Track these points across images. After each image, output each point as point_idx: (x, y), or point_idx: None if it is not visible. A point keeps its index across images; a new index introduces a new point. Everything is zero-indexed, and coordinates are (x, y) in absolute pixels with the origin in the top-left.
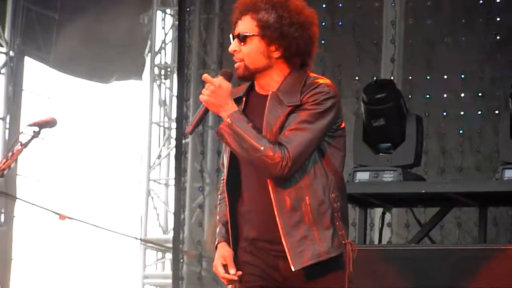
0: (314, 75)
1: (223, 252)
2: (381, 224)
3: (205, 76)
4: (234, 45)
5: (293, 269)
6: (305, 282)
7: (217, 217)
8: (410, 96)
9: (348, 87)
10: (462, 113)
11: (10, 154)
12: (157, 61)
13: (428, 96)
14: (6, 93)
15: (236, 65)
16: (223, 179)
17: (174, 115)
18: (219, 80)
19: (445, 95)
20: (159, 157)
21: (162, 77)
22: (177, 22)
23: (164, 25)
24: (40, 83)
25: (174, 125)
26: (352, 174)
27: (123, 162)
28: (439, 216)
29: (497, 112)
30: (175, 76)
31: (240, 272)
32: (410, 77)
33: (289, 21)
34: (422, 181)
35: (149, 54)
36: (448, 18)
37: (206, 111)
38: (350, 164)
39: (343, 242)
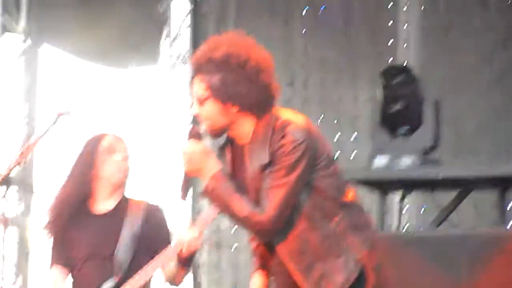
0: (282, 115)
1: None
2: (400, 209)
3: (182, 148)
4: (194, 108)
5: None
6: None
7: None
8: (427, 79)
9: (364, 72)
10: (477, 97)
11: (27, 143)
12: (173, 48)
13: (443, 79)
14: (24, 81)
15: (204, 125)
16: None
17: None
18: (190, 146)
19: (460, 79)
20: (175, 143)
21: (179, 63)
22: (192, 8)
23: (180, 12)
24: (58, 71)
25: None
26: (370, 159)
27: (142, 149)
28: (458, 200)
29: None
30: None
31: None
32: (426, 60)
33: (234, 80)
34: (440, 165)
35: (167, 40)
36: (462, 1)
37: (187, 177)
38: (368, 149)
39: (359, 257)
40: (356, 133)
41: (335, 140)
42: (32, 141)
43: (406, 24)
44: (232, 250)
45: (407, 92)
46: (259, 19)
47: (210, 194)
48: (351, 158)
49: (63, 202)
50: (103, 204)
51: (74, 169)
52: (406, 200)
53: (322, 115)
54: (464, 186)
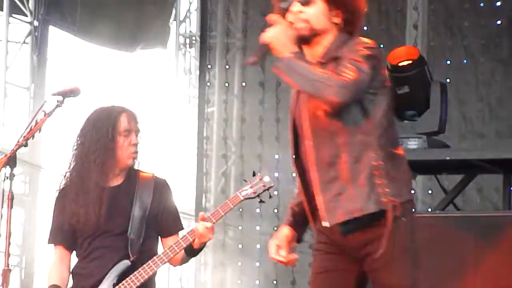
0: (360, 39)
1: (280, 234)
2: None
3: (271, 16)
4: (296, 7)
5: (328, 225)
6: (343, 238)
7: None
8: (433, 63)
9: None
10: (482, 79)
11: (34, 123)
12: (182, 30)
13: (449, 62)
14: (31, 62)
15: (298, 25)
16: (292, 158)
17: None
18: (282, 21)
19: (465, 61)
20: (183, 124)
21: (187, 45)
22: None
23: None
24: (65, 53)
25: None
26: None
27: (148, 132)
28: (464, 183)
29: None
30: (199, 44)
31: (292, 257)
32: (432, 44)
33: None
34: (447, 148)
35: (174, 22)
36: None
37: (265, 50)
38: None
39: (384, 200)
40: None
41: None
42: (39, 121)
43: (414, 5)
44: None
45: (414, 75)
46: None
47: (291, 60)
48: None
49: (78, 187)
50: (114, 177)
51: (89, 152)
52: (413, 182)
53: None
54: (470, 169)
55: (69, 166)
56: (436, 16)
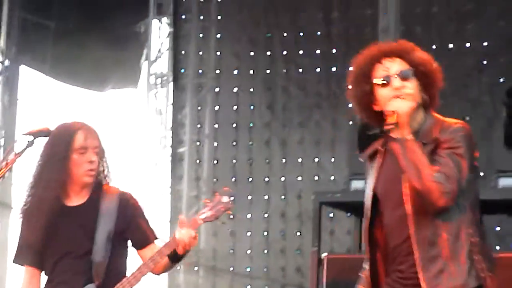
0: (441, 117)
1: None
2: None
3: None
4: (397, 82)
5: None
6: None
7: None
8: None
9: (344, 94)
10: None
11: (4, 163)
12: (153, 69)
13: None
14: (1, 102)
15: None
16: (366, 224)
17: (170, 124)
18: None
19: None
20: (155, 165)
21: (159, 85)
22: (172, 30)
23: (160, 33)
24: (36, 92)
25: (170, 133)
26: (348, 183)
27: (118, 171)
28: None
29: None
30: (171, 85)
31: None
32: None
33: (428, 64)
34: None
35: (146, 62)
36: (440, 25)
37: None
38: (346, 172)
39: (483, 275)
40: (335, 156)
41: (314, 163)
42: (9, 161)
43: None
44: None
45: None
46: (240, 41)
47: (410, 144)
48: (329, 181)
49: (37, 207)
50: (76, 195)
51: (45, 170)
52: None
53: (302, 138)
54: None
55: (29, 186)
56: None
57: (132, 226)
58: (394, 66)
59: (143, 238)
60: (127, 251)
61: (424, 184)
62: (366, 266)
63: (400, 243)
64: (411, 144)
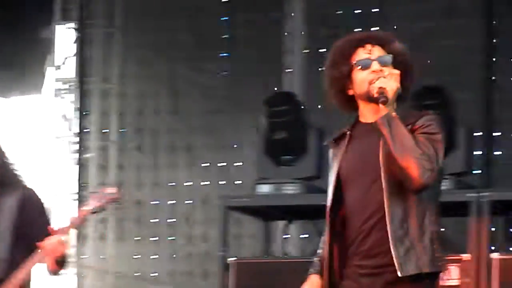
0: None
1: (311, 284)
2: (284, 237)
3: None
4: (377, 66)
5: (400, 275)
6: None
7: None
8: (310, 107)
9: (250, 99)
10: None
11: None
12: (59, 75)
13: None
14: None
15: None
16: (329, 205)
17: (77, 129)
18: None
19: None
20: (61, 171)
21: (64, 91)
22: (78, 36)
23: (66, 39)
24: None
25: (76, 139)
26: (254, 187)
27: (24, 177)
28: None
29: None
30: (77, 90)
31: None
32: (310, 88)
33: (407, 55)
34: (324, 193)
35: (51, 68)
36: (347, 27)
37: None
38: (252, 176)
39: (440, 264)
40: (241, 161)
41: (219, 167)
42: None
43: (290, 52)
44: None
45: (291, 120)
46: (144, 46)
47: (393, 119)
48: (236, 185)
49: None
50: None
51: None
52: (290, 227)
53: (207, 143)
54: None
55: None
56: (312, 60)
57: (33, 222)
58: (375, 51)
59: (44, 235)
60: (31, 247)
61: (409, 161)
62: (320, 251)
63: (365, 220)
64: (397, 121)
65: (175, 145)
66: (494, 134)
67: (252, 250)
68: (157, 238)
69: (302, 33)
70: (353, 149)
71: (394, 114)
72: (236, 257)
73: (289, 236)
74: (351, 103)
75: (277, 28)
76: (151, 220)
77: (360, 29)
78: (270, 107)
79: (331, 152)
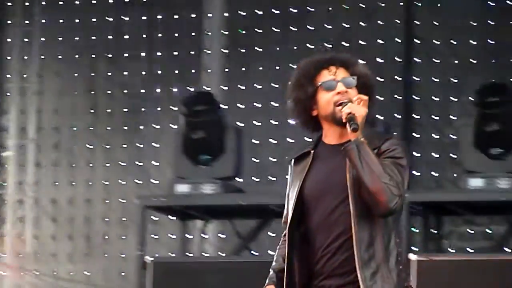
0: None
1: None
2: (201, 236)
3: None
4: (342, 88)
5: None
6: None
7: (274, 261)
8: (228, 107)
9: (168, 98)
10: (275, 122)
11: None
12: None
13: (245, 107)
14: None
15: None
16: (286, 221)
17: None
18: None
19: (259, 105)
20: None
21: None
22: None
23: None
24: None
25: None
26: (172, 186)
27: None
28: (259, 228)
29: None
30: None
31: None
32: (229, 88)
33: (370, 78)
34: (241, 193)
35: None
36: (265, 27)
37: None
38: (170, 176)
39: (406, 285)
40: (158, 160)
41: (137, 166)
42: None
43: (208, 52)
44: None
45: (209, 120)
46: (63, 44)
47: (363, 146)
48: (153, 185)
49: None
50: None
51: None
52: (207, 227)
53: (126, 143)
54: (265, 215)
55: None
56: (231, 59)
57: None
58: (340, 73)
59: None
60: None
61: (378, 186)
62: (277, 264)
63: (331, 241)
64: (366, 146)
65: (93, 143)
66: (413, 135)
67: (169, 249)
68: (72, 237)
69: (221, 32)
70: (316, 169)
71: (362, 139)
72: (153, 256)
73: (207, 236)
74: (314, 123)
75: (196, 27)
76: (67, 218)
77: (279, 30)
78: (188, 106)
79: (291, 168)
